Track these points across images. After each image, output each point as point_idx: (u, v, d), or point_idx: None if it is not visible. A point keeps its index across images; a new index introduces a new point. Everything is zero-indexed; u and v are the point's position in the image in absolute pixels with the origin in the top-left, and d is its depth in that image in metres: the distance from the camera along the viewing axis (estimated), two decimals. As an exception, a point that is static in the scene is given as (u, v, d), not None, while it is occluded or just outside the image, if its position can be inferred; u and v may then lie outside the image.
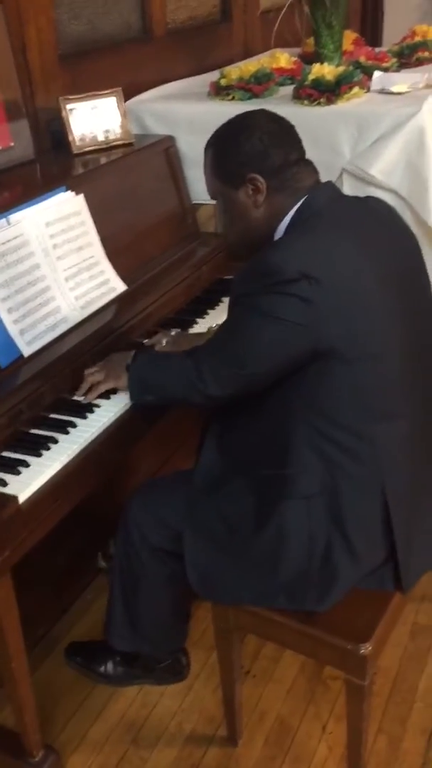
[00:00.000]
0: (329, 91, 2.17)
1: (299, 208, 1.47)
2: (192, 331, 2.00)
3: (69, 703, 1.90)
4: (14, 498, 1.40)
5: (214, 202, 1.61)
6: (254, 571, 1.50)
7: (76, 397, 1.68)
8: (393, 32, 4.29)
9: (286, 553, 1.46)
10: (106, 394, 1.69)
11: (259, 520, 1.49)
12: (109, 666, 1.91)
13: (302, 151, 1.52)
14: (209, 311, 2.12)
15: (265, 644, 2.01)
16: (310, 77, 2.20)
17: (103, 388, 1.67)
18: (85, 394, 1.67)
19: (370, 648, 1.43)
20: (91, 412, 1.65)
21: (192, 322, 2.05)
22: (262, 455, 1.52)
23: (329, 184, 1.53)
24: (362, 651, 1.42)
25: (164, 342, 1.87)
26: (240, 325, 1.42)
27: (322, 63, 2.32)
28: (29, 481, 1.45)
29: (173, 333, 1.92)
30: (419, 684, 1.90)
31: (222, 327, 1.53)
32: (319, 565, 1.46)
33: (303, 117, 2.08)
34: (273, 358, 1.40)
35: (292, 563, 1.46)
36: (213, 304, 2.16)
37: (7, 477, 1.45)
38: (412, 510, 1.49)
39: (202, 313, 2.10)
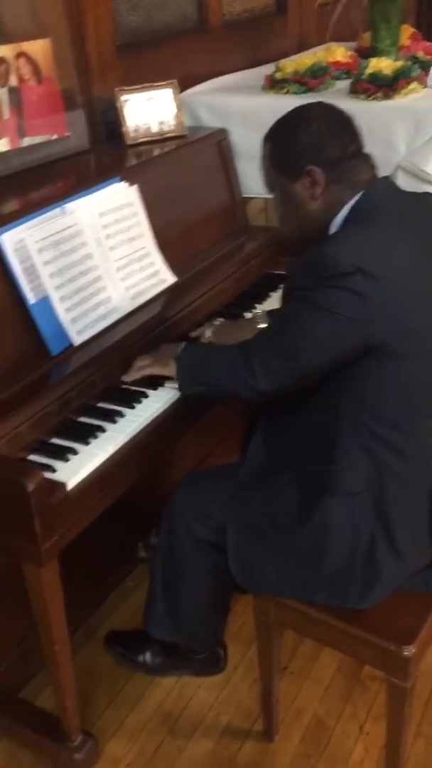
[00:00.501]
0: (386, 86, 2.14)
1: (356, 202, 1.45)
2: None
3: (107, 690, 1.91)
4: (63, 485, 1.41)
5: (264, 196, 1.60)
6: (296, 565, 1.50)
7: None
8: (449, 27, 4.22)
9: (329, 549, 1.46)
10: (154, 385, 1.69)
11: (303, 515, 1.48)
12: (148, 655, 1.93)
13: (361, 144, 1.50)
14: (257, 305, 2.11)
15: (303, 641, 2.00)
16: (367, 71, 2.18)
17: (148, 372, 1.68)
18: (130, 373, 1.70)
19: (413, 650, 1.41)
20: (139, 402, 1.66)
21: (239, 316, 2.05)
22: (308, 451, 1.52)
23: (387, 179, 1.51)
24: (406, 653, 1.41)
25: (208, 332, 1.87)
26: (293, 317, 1.42)
27: (378, 57, 2.28)
28: (77, 469, 1.46)
29: (217, 322, 1.92)
30: (460, 689, 1.88)
31: (274, 320, 1.53)
32: (362, 562, 1.45)
33: (359, 112, 2.04)
34: (324, 352, 1.39)
35: (335, 560, 1.46)
36: (261, 298, 2.15)
37: (56, 464, 1.47)
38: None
39: (249, 307, 2.10)
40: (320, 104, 1.53)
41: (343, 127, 1.48)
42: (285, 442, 1.59)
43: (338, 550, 1.45)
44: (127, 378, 1.70)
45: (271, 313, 1.88)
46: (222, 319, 1.95)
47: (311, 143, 1.45)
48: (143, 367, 1.69)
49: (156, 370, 1.68)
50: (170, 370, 1.65)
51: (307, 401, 1.50)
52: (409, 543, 1.45)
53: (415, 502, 1.44)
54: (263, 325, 1.85)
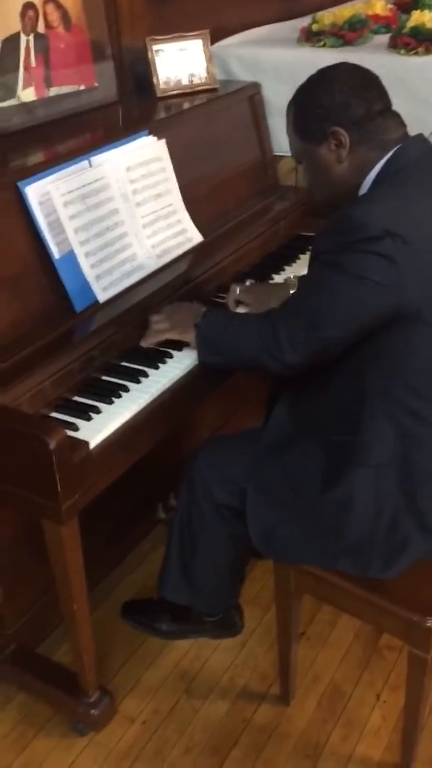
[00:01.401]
0: (428, 41, 2.06)
1: (387, 161, 1.39)
2: (266, 285, 1.95)
3: (124, 648, 1.92)
4: (85, 443, 1.39)
5: (294, 159, 1.55)
6: (318, 533, 1.48)
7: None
8: None
9: (352, 519, 1.43)
10: (179, 346, 1.66)
11: (327, 484, 1.46)
12: (164, 623, 1.93)
13: (388, 102, 1.43)
14: (285, 267, 2.06)
15: (321, 608, 1.99)
16: (409, 25, 2.09)
17: (166, 336, 1.63)
18: (146, 336, 1.65)
19: (436, 621, 1.39)
20: (164, 362, 1.63)
21: (268, 278, 2.00)
22: (334, 420, 1.48)
23: (420, 137, 1.44)
24: (429, 623, 1.39)
25: (237, 291, 1.82)
26: (320, 283, 1.37)
27: (421, 11, 2.19)
28: (100, 428, 1.44)
29: (248, 283, 1.87)
30: None
31: (301, 286, 1.47)
32: (385, 533, 1.42)
33: (398, 67, 2.00)
34: (354, 319, 1.34)
35: (357, 530, 1.44)
36: (290, 260, 2.10)
37: (79, 422, 1.45)
38: None
39: (278, 269, 2.05)
40: (343, 64, 1.46)
41: (367, 85, 1.41)
42: (310, 410, 1.55)
43: (361, 520, 1.43)
44: (144, 343, 1.64)
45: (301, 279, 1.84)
46: (252, 281, 1.91)
47: (333, 104, 1.39)
48: (161, 331, 1.64)
49: (174, 335, 1.63)
50: (189, 336, 1.60)
51: (334, 369, 1.45)
52: None
53: None
54: (293, 290, 1.81)
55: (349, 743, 1.70)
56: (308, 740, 1.71)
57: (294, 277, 1.85)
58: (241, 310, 1.80)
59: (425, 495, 1.41)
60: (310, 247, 2.11)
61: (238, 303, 1.82)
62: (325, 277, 1.35)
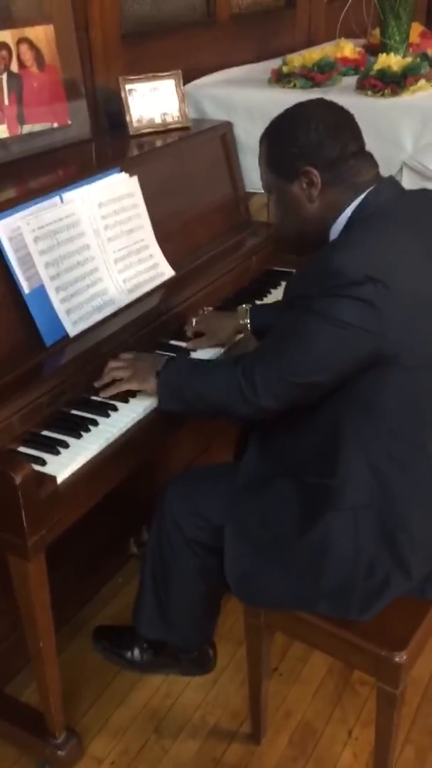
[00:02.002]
0: (394, 83, 2.11)
1: (360, 205, 1.40)
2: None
3: (93, 687, 1.89)
4: (53, 478, 1.38)
5: (264, 192, 1.56)
6: (296, 577, 1.46)
7: (95, 396, 1.60)
8: (460, 27, 4.18)
9: (330, 563, 1.42)
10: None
11: (303, 527, 1.44)
12: (136, 652, 1.90)
13: (361, 143, 1.44)
14: (257, 302, 2.08)
15: (294, 643, 1.98)
16: (376, 67, 2.15)
17: (125, 388, 1.58)
18: (105, 387, 1.60)
19: (405, 656, 1.39)
20: (133, 396, 1.62)
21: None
22: (309, 461, 1.47)
23: (391, 179, 1.46)
24: (397, 659, 1.38)
25: (194, 320, 1.83)
26: (298, 329, 1.34)
27: (387, 54, 2.25)
28: (68, 462, 1.44)
29: (204, 311, 1.88)
30: (450, 696, 1.85)
31: (277, 331, 1.43)
32: (364, 576, 1.41)
33: (365, 108, 2.04)
34: (333, 365, 1.33)
35: (336, 573, 1.42)
36: (261, 294, 2.12)
37: (47, 456, 1.44)
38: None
39: (248, 303, 2.06)
40: (319, 101, 1.46)
41: (342, 125, 1.42)
42: (283, 452, 1.54)
43: (339, 563, 1.41)
44: (102, 393, 1.59)
45: (255, 309, 1.84)
46: (210, 308, 1.92)
47: (308, 143, 1.39)
48: (120, 383, 1.59)
49: (134, 386, 1.57)
50: (149, 386, 1.55)
51: (308, 411, 1.44)
52: (413, 555, 1.41)
53: (419, 514, 1.41)
54: (246, 320, 1.82)
55: (320, 782, 1.68)
56: (279, 779, 1.69)
57: (245, 306, 1.85)
58: (197, 339, 1.82)
59: (404, 537, 1.40)
60: (282, 282, 2.16)
61: (194, 334, 1.83)
62: (304, 322, 1.33)
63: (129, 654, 1.91)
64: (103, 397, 1.60)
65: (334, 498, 1.41)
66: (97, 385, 1.61)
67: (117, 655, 1.92)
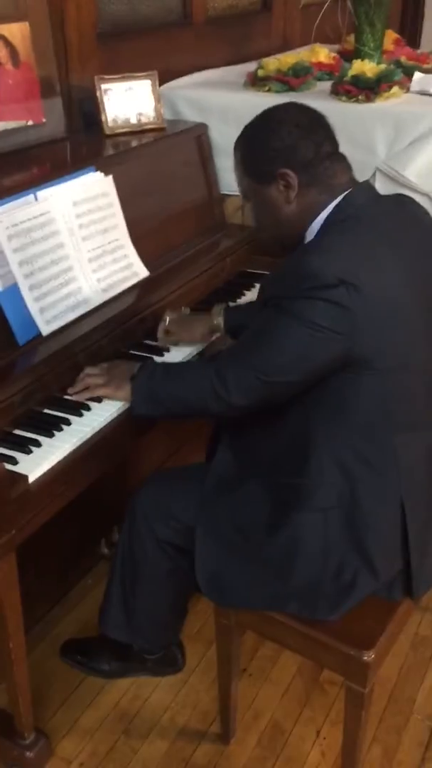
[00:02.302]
0: (368, 89, 2.14)
1: (335, 208, 1.42)
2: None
3: (62, 688, 1.88)
4: (24, 477, 1.38)
5: (241, 197, 1.57)
6: (266, 577, 1.46)
7: (67, 396, 1.60)
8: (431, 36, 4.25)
9: (299, 563, 1.43)
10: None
11: (273, 527, 1.45)
12: (104, 662, 1.90)
13: (335, 144, 1.46)
14: (231, 303, 2.09)
15: (263, 644, 1.99)
16: (350, 73, 2.17)
17: (98, 393, 1.58)
18: (77, 390, 1.60)
19: (373, 655, 1.40)
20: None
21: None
22: (279, 462, 1.48)
23: (367, 184, 1.49)
24: (365, 658, 1.40)
25: (167, 320, 1.84)
26: (271, 329, 1.36)
27: (362, 60, 2.28)
28: (40, 461, 1.43)
29: (182, 310, 1.89)
30: (417, 696, 1.88)
31: (251, 330, 1.45)
32: (332, 576, 1.42)
33: (339, 113, 2.05)
34: (304, 366, 1.34)
35: (305, 573, 1.43)
36: (235, 296, 2.13)
37: (18, 455, 1.43)
38: (428, 521, 1.47)
39: (222, 304, 2.07)
40: (292, 104, 1.48)
41: (315, 127, 1.44)
42: (254, 452, 1.55)
43: (308, 563, 1.42)
44: (76, 396, 1.59)
45: (229, 310, 1.85)
46: (187, 309, 1.92)
47: (282, 146, 1.41)
48: (95, 387, 1.59)
49: (108, 392, 1.58)
50: (123, 394, 1.56)
51: (279, 412, 1.46)
52: (381, 556, 1.42)
53: (387, 515, 1.42)
54: (219, 320, 1.83)
55: (289, 781, 1.69)
56: (248, 779, 1.69)
57: (219, 307, 1.86)
58: (169, 339, 1.83)
59: (372, 538, 1.41)
60: (255, 284, 2.17)
61: (167, 332, 1.83)
62: (277, 323, 1.35)
63: (97, 664, 1.90)
64: (78, 399, 1.59)
65: (304, 498, 1.42)
66: (71, 391, 1.60)
67: (85, 666, 1.91)
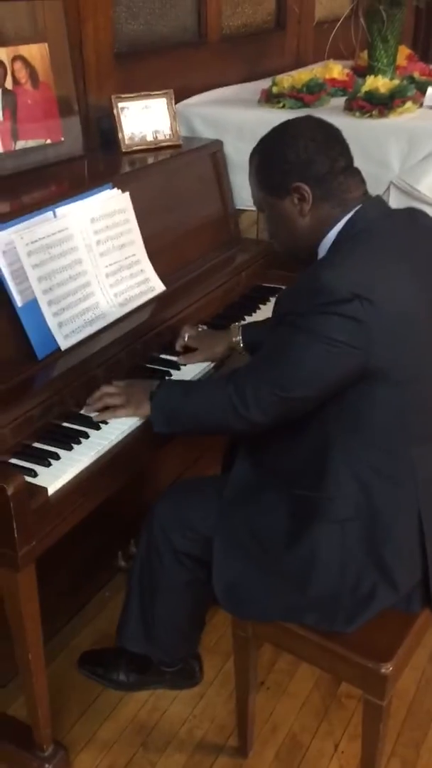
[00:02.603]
0: (382, 104, 2.16)
1: (348, 222, 1.43)
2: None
3: (80, 701, 1.89)
4: (44, 489, 1.39)
5: (256, 208, 1.59)
6: (283, 589, 1.47)
7: (83, 411, 1.61)
8: (445, 51, 4.27)
9: (317, 575, 1.43)
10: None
11: (291, 539, 1.46)
12: (122, 673, 1.90)
13: (350, 159, 1.48)
14: (246, 317, 2.11)
15: (280, 657, 1.99)
16: (364, 89, 2.19)
17: (119, 415, 1.59)
18: (98, 411, 1.61)
19: (391, 668, 1.40)
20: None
21: (226, 327, 2.04)
22: (297, 475, 1.49)
23: (379, 198, 1.50)
24: (383, 670, 1.40)
25: (186, 337, 1.86)
26: (287, 345, 1.37)
27: (375, 76, 2.30)
28: (59, 474, 1.45)
29: (199, 329, 1.91)
30: (436, 709, 1.87)
31: (267, 347, 1.47)
32: (350, 588, 1.43)
33: (353, 129, 2.06)
34: (321, 380, 1.36)
35: (323, 586, 1.44)
36: (250, 310, 2.15)
37: (38, 468, 1.45)
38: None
39: (238, 319, 2.09)
40: (307, 118, 1.51)
41: (331, 141, 1.45)
42: (272, 464, 1.57)
43: (326, 575, 1.43)
44: (96, 416, 1.59)
45: (246, 327, 1.87)
46: (204, 327, 1.95)
47: (298, 160, 1.43)
48: (115, 409, 1.60)
49: (129, 413, 1.59)
50: (144, 411, 1.57)
51: (297, 424, 1.47)
52: (399, 567, 1.43)
53: (404, 526, 1.43)
54: (238, 338, 1.85)
55: (307, 795, 1.68)
56: (266, 793, 1.69)
57: (237, 325, 1.88)
58: (188, 358, 1.84)
59: (390, 550, 1.42)
60: (271, 298, 2.19)
61: (185, 348, 1.85)
62: (293, 338, 1.36)
63: (114, 675, 1.91)
64: (98, 420, 1.60)
65: (322, 510, 1.42)
66: (89, 412, 1.61)
67: (102, 678, 1.92)
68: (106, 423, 1.60)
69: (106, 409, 1.61)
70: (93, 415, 1.60)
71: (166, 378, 1.76)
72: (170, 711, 1.87)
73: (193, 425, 1.54)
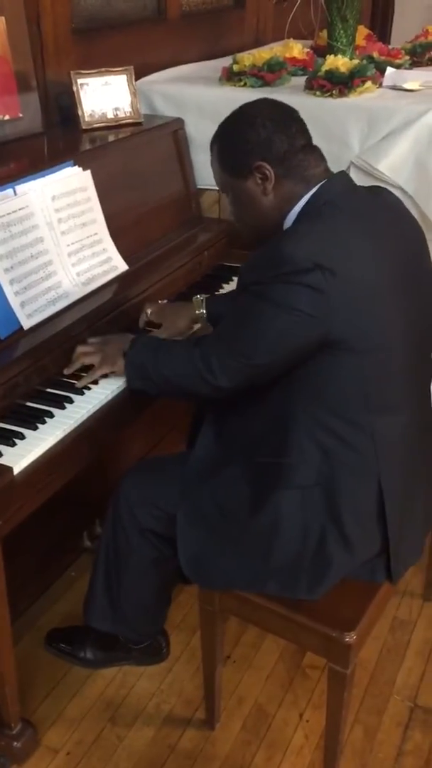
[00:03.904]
0: (342, 84, 2.17)
1: (312, 197, 1.45)
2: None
3: (47, 679, 1.89)
4: (9, 469, 1.39)
5: (218, 187, 1.60)
6: (246, 557, 1.50)
7: (66, 373, 1.65)
8: (401, 32, 4.30)
9: (279, 541, 1.46)
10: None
11: (253, 507, 1.49)
12: (89, 651, 1.91)
13: (308, 137, 1.50)
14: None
15: (246, 631, 2.02)
16: (324, 68, 2.20)
17: (98, 374, 1.64)
18: (77, 378, 1.64)
19: (355, 637, 1.44)
20: (89, 388, 1.64)
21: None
22: (260, 443, 1.52)
23: (343, 173, 1.52)
24: (347, 639, 1.43)
25: (149, 312, 1.86)
26: (250, 314, 1.40)
27: (335, 56, 2.31)
28: (24, 453, 1.45)
29: (159, 302, 1.91)
30: (397, 678, 1.92)
31: (231, 316, 1.50)
32: (312, 554, 1.46)
33: (314, 108, 2.10)
34: (283, 349, 1.38)
35: (285, 552, 1.46)
36: (213, 289, 2.15)
37: (3, 448, 1.44)
38: (405, 502, 1.51)
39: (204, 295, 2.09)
40: (263, 100, 1.53)
41: (288, 120, 1.48)
42: (236, 434, 1.59)
43: (288, 543, 1.46)
44: (77, 384, 1.63)
45: (210, 300, 1.88)
46: (165, 301, 1.95)
47: (258, 139, 1.45)
48: (93, 371, 1.64)
49: (105, 370, 1.64)
50: (119, 367, 1.61)
51: (261, 394, 1.49)
52: (359, 535, 1.46)
53: (365, 494, 1.46)
54: (201, 310, 1.86)
55: (272, 763, 1.72)
56: (233, 763, 1.72)
57: (201, 297, 1.88)
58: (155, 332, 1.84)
59: (349, 516, 1.45)
60: (234, 277, 2.20)
61: (149, 323, 1.86)
62: (256, 307, 1.38)
63: (82, 653, 1.92)
64: (81, 386, 1.63)
65: (284, 477, 1.46)
66: (67, 372, 1.65)
67: (70, 655, 1.93)
68: (71, 401, 1.59)
69: (84, 370, 1.64)
70: (75, 382, 1.63)
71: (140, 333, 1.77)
72: (138, 687, 1.89)
73: (162, 384, 1.56)
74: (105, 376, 1.66)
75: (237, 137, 1.48)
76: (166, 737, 1.77)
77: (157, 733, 1.78)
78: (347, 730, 1.74)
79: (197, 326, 1.89)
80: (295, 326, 1.34)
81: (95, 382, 1.65)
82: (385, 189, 1.57)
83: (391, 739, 1.77)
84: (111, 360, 1.63)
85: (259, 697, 1.87)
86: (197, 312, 1.86)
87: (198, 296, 1.90)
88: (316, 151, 1.50)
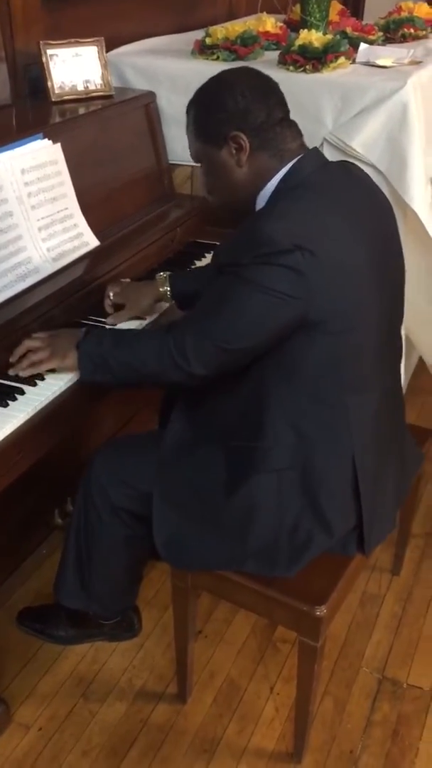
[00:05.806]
0: (315, 59, 2.15)
1: (286, 174, 1.44)
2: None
3: (19, 656, 1.89)
4: (-22, 446, 1.37)
5: (191, 163, 1.57)
6: (222, 539, 1.50)
7: (11, 365, 1.56)
8: (375, 7, 4.27)
9: (255, 524, 1.46)
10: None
11: (229, 490, 1.48)
12: (61, 628, 1.91)
13: (287, 110, 1.48)
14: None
15: (218, 606, 2.04)
16: (297, 43, 2.18)
17: (44, 368, 1.55)
18: (23, 368, 1.56)
19: (325, 610, 1.46)
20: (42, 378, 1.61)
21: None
22: (234, 426, 1.51)
23: (316, 150, 1.51)
24: (318, 613, 1.45)
25: (112, 294, 1.82)
26: (228, 296, 1.37)
27: (308, 30, 2.29)
28: (-6, 430, 1.43)
29: (122, 281, 1.87)
30: (366, 651, 1.95)
31: (207, 298, 1.46)
32: (288, 534, 1.46)
33: (287, 83, 2.04)
34: (262, 331, 1.36)
35: (263, 534, 1.47)
36: (185, 266, 2.14)
37: (-28, 425, 1.43)
38: (377, 477, 1.52)
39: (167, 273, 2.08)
40: (245, 68, 1.51)
41: (268, 92, 1.46)
42: (211, 415, 1.58)
43: (264, 526, 1.46)
44: (19, 371, 1.55)
45: (174, 277, 1.85)
46: (128, 280, 1.91)
47: (235, 108, 1.42)
48: (39, 362, 1.55)
49: (53, 365, 1.55)
50: (70, 362, 1.53)
51: (233, 376, 1.48)
52: (335, 513, 1.47)
53: (340, 473, 1.47)
54: (165, 288, 1.83)
55: (244, 736, 1.74)
56: (205, 735, 1.74)
57: (165, 274, 1.86)
58: (117, 312, 1.81)
59: (325, 496, 1.45)
60: (206, 254, 2.18)
61: (115, 306, 1.82)
62: (234, 289, 1.36)
63: (54, 631, 1.92)
64: (24, 375, 1.55)
65: (259, 460, 1.45)
66: (13, 372, 1.56)
67: (42, 633, 1.92)
68: (42, 378, 1.57)
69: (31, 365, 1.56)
70: (19, 373, 1.56)
71: (96, 327, 1.73)
72: (110, 662, 1.90)
73: (124, 375, 1.50)
74: (52, 371, 1.57)
75: (214, 104, 1.45)
76: (138, 712, 1.79)
77: (130, 708, 1.79)
78: (317, 702, 1.77)
79: (162, 305, 1.87)
80: (274, 308, 1.33)
81: (41, 377, 1.57)
82: (354, 164, 1.56)
83: (360, 711, 1.81)
84: (61, 353, 1.54)
85: (231, 671, 1.89)
86: (161, 290, 1.83)
87: (161, 273, 1.86)
88: (293, 125, 1.48)
